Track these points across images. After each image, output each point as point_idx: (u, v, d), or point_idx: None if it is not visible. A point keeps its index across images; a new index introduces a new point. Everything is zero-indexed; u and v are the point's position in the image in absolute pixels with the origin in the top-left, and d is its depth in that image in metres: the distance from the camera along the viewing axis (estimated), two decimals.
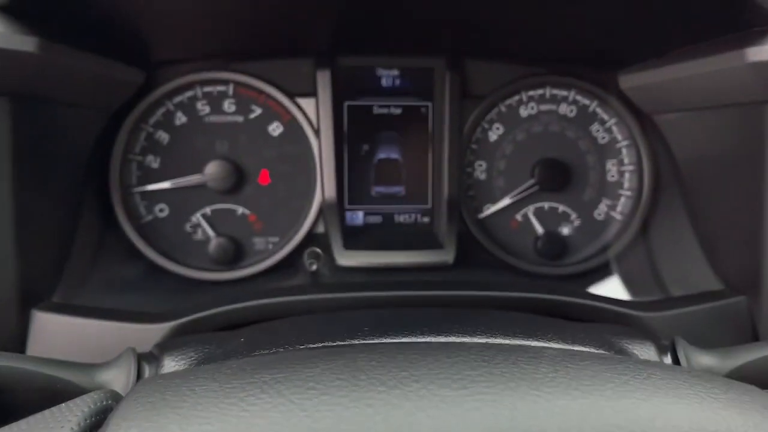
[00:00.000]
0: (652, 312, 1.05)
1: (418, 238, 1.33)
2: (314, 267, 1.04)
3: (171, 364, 0.81)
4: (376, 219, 1.37)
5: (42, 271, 1.04)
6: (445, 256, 1.24)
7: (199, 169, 1.29)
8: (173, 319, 1.00)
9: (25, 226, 0.97)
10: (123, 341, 0.96)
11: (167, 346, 0.85)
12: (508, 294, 1.05)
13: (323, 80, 1.28)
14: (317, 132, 1.30)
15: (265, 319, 0.99)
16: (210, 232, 1.30)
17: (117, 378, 0.78)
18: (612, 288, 1.31)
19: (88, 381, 0.78)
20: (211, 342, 0.85)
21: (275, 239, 1.33)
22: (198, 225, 1.31)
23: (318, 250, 1.16)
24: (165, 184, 1.29)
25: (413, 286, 1.05)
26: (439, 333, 0.78)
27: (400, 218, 1.37)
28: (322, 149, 1.29)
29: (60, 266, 1.10)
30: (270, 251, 1.32)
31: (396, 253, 1.23)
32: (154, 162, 1.30)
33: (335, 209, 1.28)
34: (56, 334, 0.99)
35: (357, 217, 1.36)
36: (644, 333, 0.91)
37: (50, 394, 0.76)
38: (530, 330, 0.82)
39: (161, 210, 1.31)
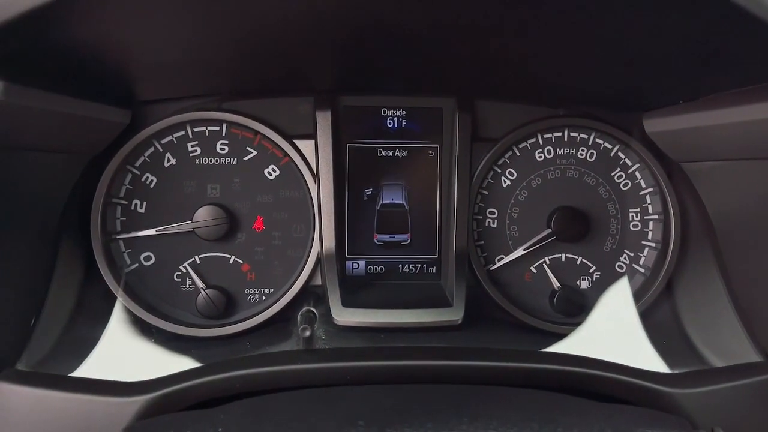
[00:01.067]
0: (685, 389, 0.93)
1: (424, 292, 1.22)
2: (307, 333, 0.94)
3: None
4: (378, 269, 1.27)
5: (7, 335, 0.94)
6: (453, 314, 1.13)
7: (188, 215, 1.20)
8: (149, 392, 0.89)
9: None
10: (92, 416, 0.88)
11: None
12: (525, 365, 0.94)
13: (323, 121, 1.19)
14: (316, 176, 1.20)
15: (251, 390, 0.88)
16: (199, 282, 1.20)
17: None
18: (636, 350, 1.19)
19: None
20: (187, 429, 0.74)
21: (269, 291, 1.23)
22: (187, 275, 1.21)
23: (313, 311, 1.06)
24: (151, 231, 1.19)
25: (417, 355, 0.95)
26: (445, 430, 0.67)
27: (405, 268, 1.27)
28: (321, 194, 1.19)
29: (28, 327, 1.00)
30: (263, 304, 1.22)
31: (399, 311, 1.12)
32: (140, 206, 1.20)
33: (334, 261, 1.18)
34: (20, 407, 0.88)
35: (358, 267, 1.26)
36: (679, 422, 0.79)
37: None
38: (550, 425, 0.71)
39: (147, 258, 1.21)
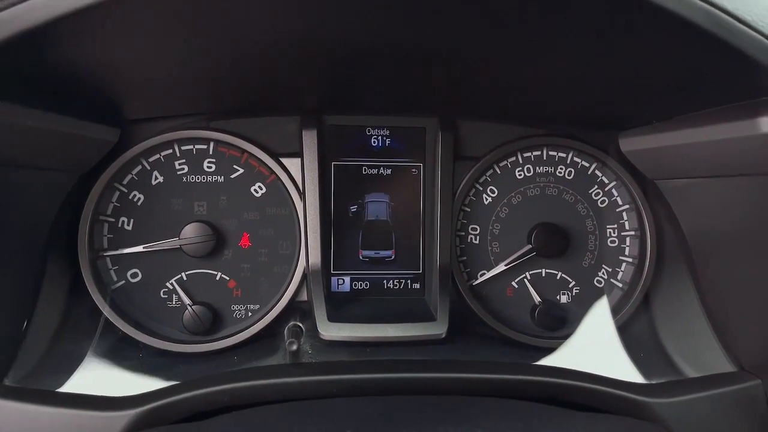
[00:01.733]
0: (662, 398, 0.96)
1: (409, 307, 1.24)
2: (294, 347, 0.96)
3: None
4: (363, 285, 1.29)
5: None
6: (438, 328, 1.16)
7: (175, 232, 1.21)
8: (137, 406, 0.90)
9: None
10: (80, 431, 0.88)
11: None
12: (508, 377, 0.96)
13: (309, 140, 1.22)
14: (302, 193, 1.23)
15: (239, 403, 0.89)
16: (185, 299, 1.21)
17: None
18: (614, 362, 1.22)
19: None
20: None
21: (255, 307, 1.25)
22: (173, 291, 1.22)
23: (300, 325, 1.08)
24: (138, 248, 1.20)
25: (403, 368, 0.96)
26: None
27: (390, 284, 1.29)
28: (307, 211, 1.22)
29: (16, 343, 1.00)
30: (250, 320, 1.24)
31: (384, 326, 1.14)
32: (127, 224, 1.22)
33: (320, 277, 1.20)
34: (8, 422, 0.89)
35: (343, 283, 1.28)
36: (657, 430, 0.82)
37: None
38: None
39: (133, 275, 1.22)
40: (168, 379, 1.05)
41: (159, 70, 1.00)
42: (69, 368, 1.04)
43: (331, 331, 1.13)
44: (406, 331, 1.14)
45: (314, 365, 1.00)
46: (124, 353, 1.15)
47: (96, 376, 1.05)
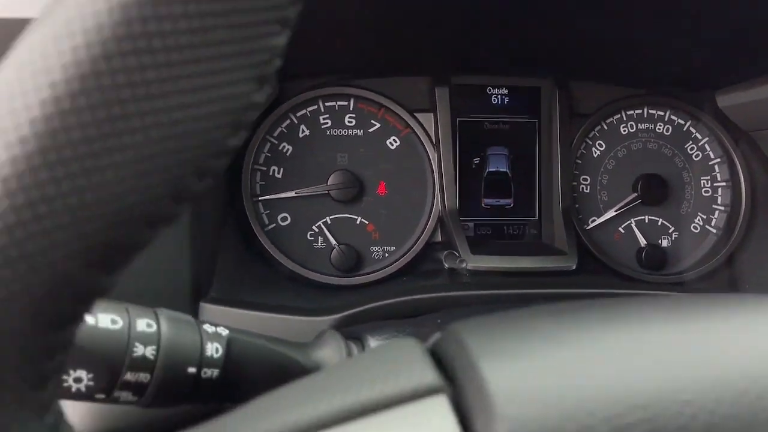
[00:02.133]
0: None
1: (535, 246, 1.37)
2: (464, 264, 1.08)
3: (376, 343, 0.84)
4: (486, 230, 1.42)
5: (206, 267, 1.07)
6: (569, 261, 1.28)
7: (319, 180, 1.33)
8: (333, 314, 1.03)
9: (197, 224, 1.01)
10: (288, 332, 0.99)
11: (364, 328, 0.88)
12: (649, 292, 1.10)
13: (442, 97, 1.35)
14: (435, 145, 1.36)
15: (420, 313, 1.02)
16: (332, 240, 1.33)
17: (330, 356, 0.81)
18: None
19: (305, 358, 0.80)
20: (405, 325, 0.88)
21: (392, 248, 1.37)
22: (319, 233, 1.35)
23: (455, 252, 1.20)
24: (291, 193, 1.33)
25: (561, 285, 1.10)
26: None
27: (509, 230, 1.42)
28: (442, 161, 1.34)
29: (214, 266, 1.12)
30: (388, 260, 1.36)
31: (522, 257, 1.27)
32: (277, 173, 1.34)
33: (457, 218, 1.32)
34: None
35: (468, 228, 1.41)
36: None
37: (276, 369, 0.78)
38: None
39: (283, 219, 1.34)
40: (337, 302, 1.17)
41: (330, 27, 1.13)
42: (254, 289, 1.16)
43: (476, 261, 1.26)
44: (542, 263, 1.27)
45: (478, 283, 1.13)
46: (287, 284, 1.27)
47: (271, 299, 1.17)
